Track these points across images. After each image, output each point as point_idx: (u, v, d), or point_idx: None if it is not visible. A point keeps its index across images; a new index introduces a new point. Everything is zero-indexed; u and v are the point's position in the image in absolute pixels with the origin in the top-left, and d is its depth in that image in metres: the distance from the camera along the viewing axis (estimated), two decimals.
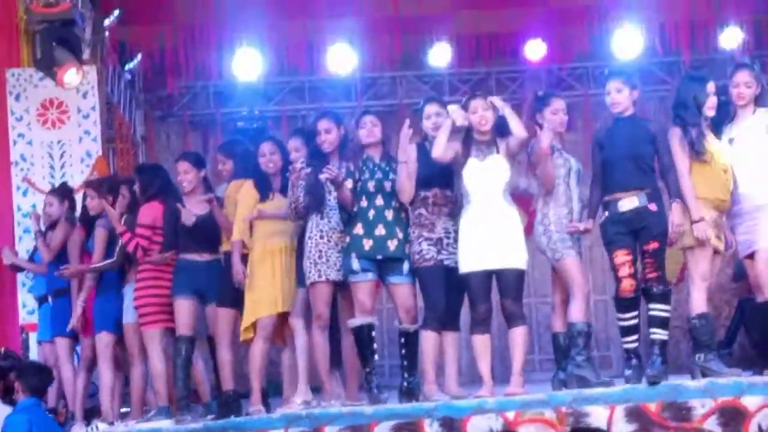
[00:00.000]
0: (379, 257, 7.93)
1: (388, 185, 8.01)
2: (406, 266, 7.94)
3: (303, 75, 14.25)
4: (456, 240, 7.78)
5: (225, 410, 8.54)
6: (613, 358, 13.68)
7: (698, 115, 7.74)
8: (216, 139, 13.66)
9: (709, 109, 7.78)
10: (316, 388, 8.35)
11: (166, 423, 8.41)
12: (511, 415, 7.44)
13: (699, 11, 13.29)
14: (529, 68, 14.35)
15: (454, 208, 7.89)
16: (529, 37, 13.97)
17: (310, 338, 8.21)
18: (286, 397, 8.53)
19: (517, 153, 7.83)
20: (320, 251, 8.08)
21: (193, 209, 8.66)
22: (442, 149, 7.71)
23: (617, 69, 8.66)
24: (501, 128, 7.80)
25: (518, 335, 7.68)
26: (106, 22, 12.35)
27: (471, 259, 7.65)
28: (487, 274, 7.66)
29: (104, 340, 9.03)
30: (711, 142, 7.75)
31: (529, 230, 7.97)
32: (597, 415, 7.43)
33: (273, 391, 9.18)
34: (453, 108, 7.94)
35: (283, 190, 8.43)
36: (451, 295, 7.84)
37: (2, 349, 9.86)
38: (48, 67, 10.49)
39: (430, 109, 8.07)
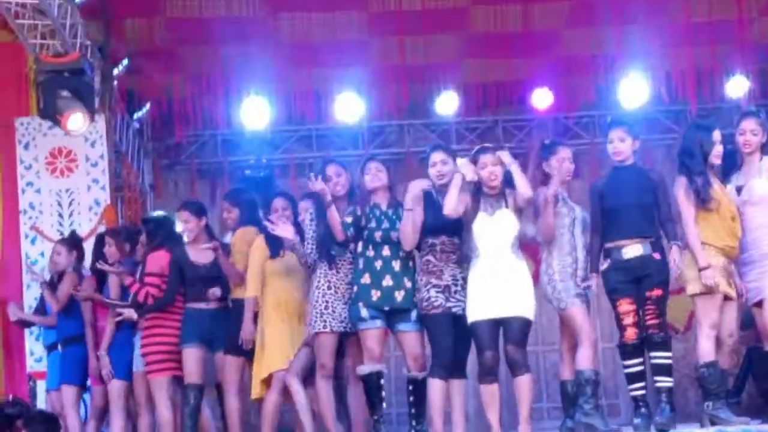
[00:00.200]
0: (387, 308, 7.93)
1: (395, 235, 8.01)
2: (414, 314, 7.93)
3: (310, 123, 14.30)
4: (464, 287, 7.78)
5: None
6: (621, 406, 13.62)
7: (704, 163, 7.76)
8: (224, 187, 13.68)
9: (715, 157, 7.80)
10: None
11: None
12: None
13: (705, 60, 13.35)
14: (536, 117, 14.38)
15: (462, 255, 7.88)
16: (536, 85, 14.03)
17: (315, 389, 8.19)
18: None
19: (523, 208, 7.84)
20: (326, 302, 8.09)
21: (198, 258, 8.69)
22: (453, 206, 7.70)
23: (619, 118, 8.70)
24: (510, 179, 7.80)
25: (523, 384, 7.65)
26: (115, 71, 12.43)
27: (478, 309, 7.64)
28: (495, 323, 7.64)
29: (117, 388, 9.03)
30: (717, 189, 7.77)
31: (536, 278, 7.97)
32: None
33: None
34: (462, 162, 7.93)
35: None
36: (459, 342, 7.82)
37: (10, 397, 9.84)
38: (51, 116, 10.54)
39: (436, 157, 8.07)
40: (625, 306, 7.77)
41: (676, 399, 13.56)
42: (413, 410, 7.97)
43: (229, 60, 13.09)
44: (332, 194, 8.16)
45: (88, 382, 9.55)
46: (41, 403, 10.38)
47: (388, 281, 7.94)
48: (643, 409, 7.74)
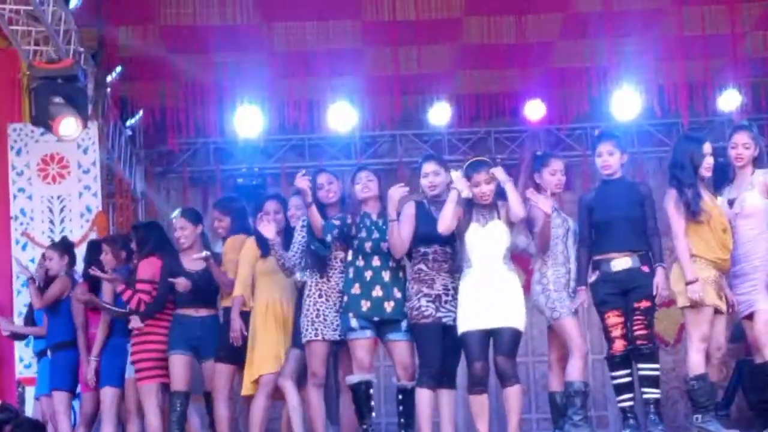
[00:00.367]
0: (376, 319, 7.93)
1: (385, 246, 7.98)
2: (404, 324, 7.92)
3: (303, 133, 14.32)
4: (455, 297, 7.77)
5: None
6: (609, 418, 13.63)
7: (694, 175, 7.77)
8: (216, 195, 13.70)
9: (705, 169, 7.81)
10: None
11: None
12: None
13: (697, 74, 13.39)
14: (529, 128, 14.42)
15: (454, 264, 7.88)
16: (529, 97, 14.07)
17: (306, 397, 8.19)
18: None
19: (515, 224, 7.83)
20: (318, 310, 8.08)
21: (190, 265, 8.70)
22: (449, 223, 7.68)
23: (608, 132, 8.71)
24: (502, 191, 7.78)
25: (512, 395, 7.62)
26: (108, 78, 12.43)
27: (469, 319, 7.62)
28: (485, 334, 7.63)
29: (109, 394, 9.02)
30: (708, 202, 7.78)
31: (527, 289, 7.97)
32: None
33: None
34: (457, 176, 7.89)
35: (285, 248, 8.45)
36: (448, 353, 7.81)
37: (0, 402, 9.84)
38: (44, 122, 10.53)
39: (428, 167, 8.06)
40: (613, 318, 7.79)
41: (666, 411, 13.64)
42: (402, 420, 7.95)
43: (222, 68, 13.11)
44: (324, 201, 8.19)
45: (78, 389, 9.52)
46: (29, 410, 10.35)
47: (377, 292, 7.93)
48: (631, 421, 7.75)
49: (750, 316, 7.80)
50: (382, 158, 14.56)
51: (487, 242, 7.70)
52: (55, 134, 10.58)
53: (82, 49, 10.97)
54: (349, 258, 8.04)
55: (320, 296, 8.10)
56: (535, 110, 14.12)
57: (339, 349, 8.24)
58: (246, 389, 8.52)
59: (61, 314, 9.52)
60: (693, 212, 7.67)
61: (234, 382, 8.79)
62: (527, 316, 7.76)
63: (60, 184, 11.62)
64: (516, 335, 7.65)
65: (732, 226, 7.84)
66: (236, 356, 8.51)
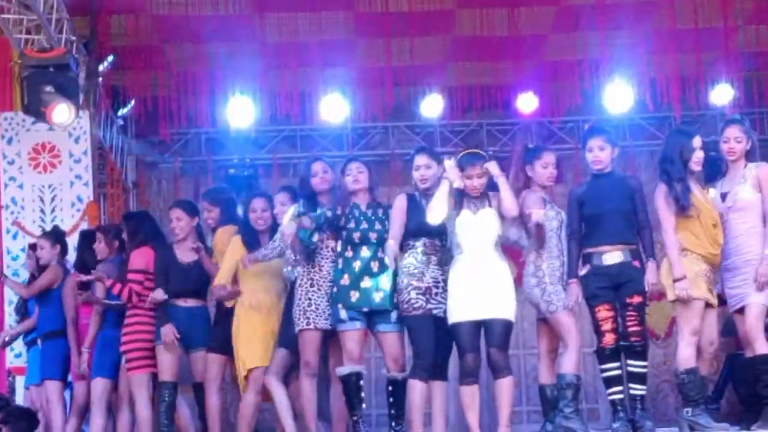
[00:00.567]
0: (366, 309, 7.92)
1: (373, 236, 8.00)
2: (394, 315, 7.93)
3: (295, 124, 14.28)
4: (445, 289, 7.77)
5: None
6: (600, 410, 13.64)
7: (684, 170, 7.78)
8: (207, 185, 13.65)
9: (695, 163, 7.81)
10: None
11: None
12: None
13: (690, 67, 13.38)
14: (521, 121, 14.41)
15: (444, 257, 7.87)
16: (521, 90, 14.05)
17: (299, 386, 8.18)
18: None
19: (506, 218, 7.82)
20: (310, 299, 8.08)
21: (183, 257, 8.69)
22: (438, 214, 7.69)
23: (599, 126, 8.72)
24: (494, 183, 7.78)
25: (504, 386, 7.64)
26: (100, 67, 12.39)
27: (460, 309, 7.62)
28: (476, 325, 7.64)
29: (100, 385, 9.00)
30: (699, 196, 7.78)
31: (518, 281, 7.97)
32: None
33: None
34: (450, 165, 7.88)
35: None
36: (440, 344, 7.81)
37: None
38: (36, 110, 10.50)
39: (420, 160, 8.05)
40: (604, 312, 7.81)
41: (657, 405, 13.66)
42: (393, 411, 7.97)
43: (214, 58, 13.07)
44: (316, 188, 8.23)
45: (69, 378, 9.51)
46: (20, 400, 10.33)
47: (366, 282, 7.93)
48: (621, 414, 7.77)
49: (741, 310, 7.82)
50: (374, 150, 14.54)
51: (477, 229, 7.70)
52: (49, 121, 10.55)
53: (74, 38, 10.95)
54: (338, 249, 8.04)
55: (312, 285, 8.10)
56: (527, 103, 14.11)
57: (329, 340, 8.23)
58: (242, 387, 8.51)
59: (51, 303, 9.51)
60: (682, 206, 7.68)
61: (225, 373, 8.79)
62: (518, 309, 7.77)
63: (51, 173, 11.59)
64: (508, 326, 7.66)
65: (724, 220, 7.85)
66: (228, 347, 8.50)
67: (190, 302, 8.72)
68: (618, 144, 8.15)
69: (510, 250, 8.07)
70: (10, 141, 11.59)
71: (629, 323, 7.76)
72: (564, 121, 14.55)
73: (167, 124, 13.77)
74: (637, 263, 7.80)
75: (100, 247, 9.29)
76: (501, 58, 13.52)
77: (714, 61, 13.41)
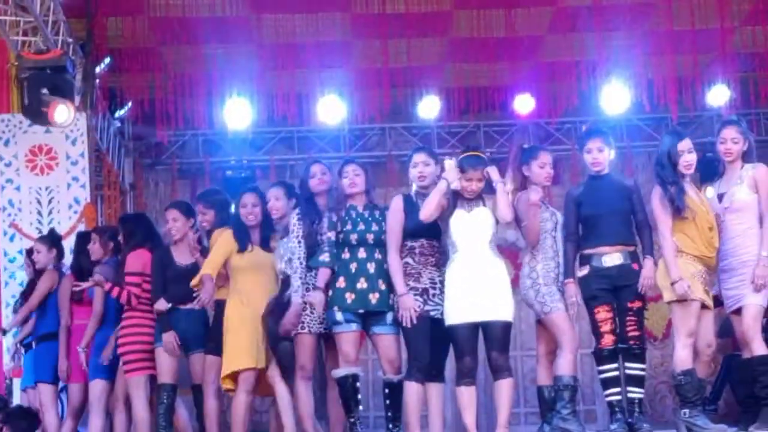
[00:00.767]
0: (361, 311, 7.92)
1: (370, 237, 7.99)
2: (389, 317, 7.92)
3: (292, 125, 14.30)
4: (442, 291, 7.76)
5: None
6: (598, 412, 13.66)
7: (673, 173, 7.78)
8: (204, 187, 13.66)
9: (684, 167, 7.79)
10: None
11: None
12: None
13: (687, 69, 13.40)
14: (518, 122, 14.42)
15: (441, 258, 7.87)
16: (518, 91, 14.07)
17: (295, 390, 8.18)
18: None
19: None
20: (305, 303, 8.06)
21: (180, 259, 8.67)
22: (431, 212, 7.66)
23: (597, 128, 8.72)
24: (489, 184, 7.78)
25: (504, 387, 7.63)
26: (97, 69, 12.40)
27: (457, 311, 7.61)
28: (474, 327, 7.63)
29: (99, 387, 8.99)
30: (695, 199, 7.78)
31: (515, 283, 7.96)
32: None
33: None
34: (449, 165, 7.87)
35: (263, 243, 8.43)
36: (436, 346, 7.79)
37: None
38: (36, 112, 10.49)
39: (418, 158, 8.05)
40: (603, 313, 7.80)
41: (654, 406, 13.66)
42: (389, 413, 7.95)
43: (211, 60, 13.09)
44: (314, 190, 8.22)
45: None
46: (16, 402, 10.32)
47: (362, 284, 7.92)
48: (619, 415, 7.76)
49: (738, 311, 7.81)
50: (371, 151, 14.56)
51: (472, 227, 7.68)
52: (50, 121, 10.53)
53: (70, 40, 10.96)
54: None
55: (307, 290, 8.08)
56: (524, 104, 14.13)
57: (325, 343, 8.23)
58: (223, 383, 8.43)
59: (47, 307, 9.49)
60: (677, 208, 7.68)
61: None
62: (515, 310, 7.76)
63: (48, 175, 11.59)
64: (507, 328, 7.65)
65: (721, 221, 7.85)
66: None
67: (189, 305, 8.69)
68: (614, 145, 8.16)
69: (508, 252, 8.08)
70: (7, 143, 11.59)
71: (629, 328, 7.77)
72: (561, 122, 14.58)
73: (164, 125, 13.77)
74: (636, 266, 7.80)
75: (95, 248, 9.27)
76: (498, 59, 13.53)
77: (711, 62, 13.43)
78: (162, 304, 8.54)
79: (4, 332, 9.76)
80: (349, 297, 7.89)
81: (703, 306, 7.74)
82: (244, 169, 14.50)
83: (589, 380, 13.30)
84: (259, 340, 8.30)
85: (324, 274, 7.92)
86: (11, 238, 11.40)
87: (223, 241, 8.46)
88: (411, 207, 7.89)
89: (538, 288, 7.87)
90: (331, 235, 7.98)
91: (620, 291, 7.78)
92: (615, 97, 13.91)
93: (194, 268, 8.61)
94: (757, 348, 7.67)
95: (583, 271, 7.88)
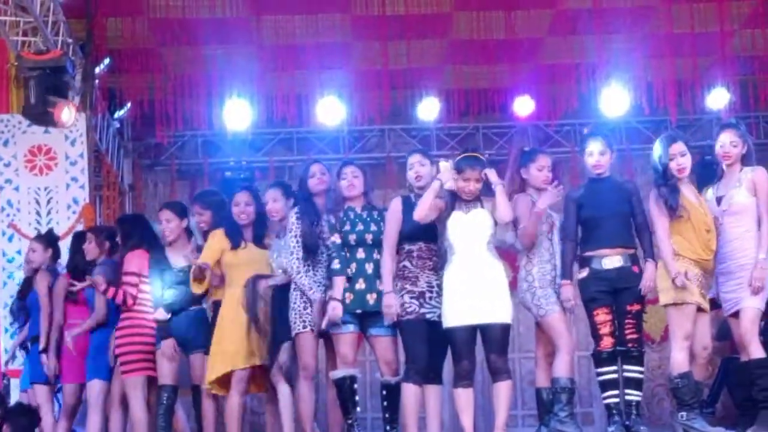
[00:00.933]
0: (359, 311, 7.92)
1: (369, 237, 8.00)
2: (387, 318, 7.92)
3: (291, 126, 14.31)
4: (439, 294, 7.75)
5: None
6: (595, 414, 13.65)
7: (665, 176, 7.78)
8: (203, 188, 13.67)
9: (677, 170, 7.79)
10: None
11: None
12: None
13: (686, 72, 13.41)
14: (517, 124, 14.42)
15: (438, 261, 7.87)
16: (518, 93, 14.08)
17: (296, 389, 8.17)
18: None
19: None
20: (305, 302, 8.07)
21: (176, 261, 8.65)
22: (425, 212, 7.65)
23: (598, 130, 8.70)
24: (487, 185, 7.78)
25: (503, 389, 7.63)
26: (97, 70, 12.40)
27: (455, 313, 7.61)
28: (472, 329, 7.62)
29: (97, 387, 8.98)
30: (693, 201, 7.78)
31: (513, 285, 7.96)
32: None
33: None
34: (445, 166, 7.88)
35: (256, 240, 8.42)
36: (434, 348, 7.79)
37: None
38: (41, 112, 10.48)
39: (413, 159, 8.07)
40: (602, 316, 7.80)
41: (652, 409, 13.66)
42: (387, 415, 7.95)
43: (211, 61, 13.09)
44: (313, 190, 8.23)
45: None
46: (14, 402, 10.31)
47: (360, 284, 7.93)
48: (616, 417, 7.76)
49: (736, 314, 7.81)
50: (370, 153, 14.56)
51: (469, 228, 7.68)
52: (56, 121, 10.53)
53: (70, 41, 10.96)
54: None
55: (310, 289, 8.08)
56: (523, 106, 14.13)
57: (326, 345, 8.23)
58: (214, 387, 8.38)
59: (41, 308, 9.46)
60: (671, 207, 7.69)
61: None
62: (514, 312, 7.76)
63: (47, 175, 11.60)
64: (505, 330, 7.65)
65: (719, 224, 7.85)
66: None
67: (189, 306, 8.68)
68: (615, 149, 8.16)
69: (506, 254, 8.07)
70: (6, 143, 11.60)
71: (627, 331, 7.77)
72: (560, 124, 14.58)
73: (164, 126, 13.77)
74: (636, 269, 7.80)
75: (90, 247, 9.26)
76: (498, 61, 13.54)
77: (710, 65, 13.44)
78: (161, 314, 8.54)
79: (45, 350, 9.68)
80: (348, 297, 7.90)
81: (700, 309, 7.74)
82: (244, 170, 14.50)
83: (586, 382, 13.31)
84: (252, 338, 8.28)
85: (339, 282, 7.91)
86: (10, 239, 11.41)
87: (214, 239, 8.43)
88: (410, 209, 7.88)
89: (534, 291, 7.87)
90: (335, 238, 7.97)
91: (619, 294, 7.78)
92: (614, 99, 13.91)
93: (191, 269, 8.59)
94: (755, 351, 7.67)
95: (582, 274, 7.88)
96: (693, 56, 12.90)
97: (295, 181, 8.94)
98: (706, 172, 8.29)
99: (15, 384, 10.52)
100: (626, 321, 7.78)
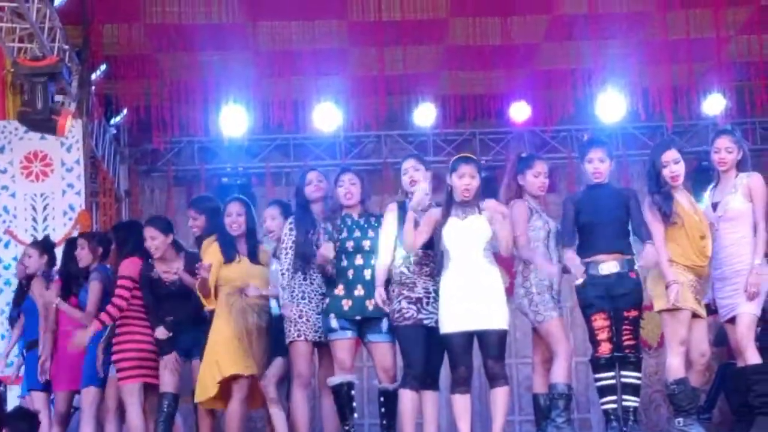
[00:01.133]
0: (358, 317, 7.92)
1: (366, 244, 8.00)
2: (385, 324, 7.92)
3: (288, 132, 14.31)
4: (436, 300, 7.74)
5: None
6: (592, 420, 13.65)
7: (658, 183, 7.79)
8: (200, 194, 13.66)
9: (670, 177, 7.79)
10: None
11: None
12: None
13: (682, 77, 13.42)
14: (514, 130, 14.44)
15: (435, 268, 7.86)
16: (514, 99, 14.10)
17: (291, 397, 8.17)
18: None
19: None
20: (301, 311, 8.07)
21: (165, 275, 8.62)
22: (410, 242, 7.65)
23: (598, 138, 8.71)
24: (485, 190, 7.78)
25: (500, 395, 7.62)
26: (93, 76, 12.40)
27: (452, 319, 7.59)
28: (469, 335, 7.61)
29: (91, 394, 8.97)
30: (685, 206, 7.78)
31: (510, 291, 7.96)
32: None
33: None
34: (419, 188, 7.85)
35: (251, 255, 8.41)
36: (431, 354, 7.79)
37: None
38: (46, 119, 10.46)
39: (407, 164, 8.06)
40: (600, 321, 7.79)
41: (649, 415, 13.66)
42: (384, 421, 7.95)
43: (207, 67, 13.09)
44: (309, 197, 8.25)
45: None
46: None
47: (359, 291, 7.93)
48: (614, 423, 7.75)
49: (732, 320, 7.82)
50: (367, 158, 14.58)
51: (465, 235, 7.64)
52: (60, 129, 10.52)
53: (66, 47, 10.95)
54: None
55: (303, 298, 8.09)
56: (520, 112, 14.15)
57: (319, 352, 8.23)
58: (210, 403, 8.37)
59: (34, 314, 9.46)
60: (665, 214, 7.69)
61: None
62: (510, 317, 7.75)
63: (43, 182, 11.59)
64: (502, 336, 7.64)
65: (715, 230, 7.86)
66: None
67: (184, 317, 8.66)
68: (613, 156, 8.18)
69: (502, 261, 8.06)
70: (2, 149, 11.60)
71: (624, 337, 7.75)
72: (556, 130, 14.60)
73: (160, 132, 13.78)
74: (633, 275, 7.79)
75: (83, 253, 9.24)
76: (494, 66, 13.55)
77: (706, 71, 13.45)
78: (162, 333, 8.52)
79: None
80: (346, 304, 7.90)
81: (695, 315, 7.74)
82: (240, 176, 14.52)
83: (583, 388, 13.30)
84: (247, 350, 8.26)
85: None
86: (6, 245, 11.40)
87: (210, 254, 8.41)
88: (405, 213, 7.87)
89: (531, 297, 7.87)
90: (331, 249, 7.96)
91: (616, 300, 7.78)
92: (611, 105, 13.93)
93: (181, 283, 8.56)
94: (751, 357, 7.68)
95: (580, 280, 7.88)
96: (689, 62, 12.92)
97: (291, 187, 8.95)
98: (703, 178, 8.28)
99: (12, 390, 10.51)
100: (623, 327, 7.76)
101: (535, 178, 8.06)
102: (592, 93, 13.89)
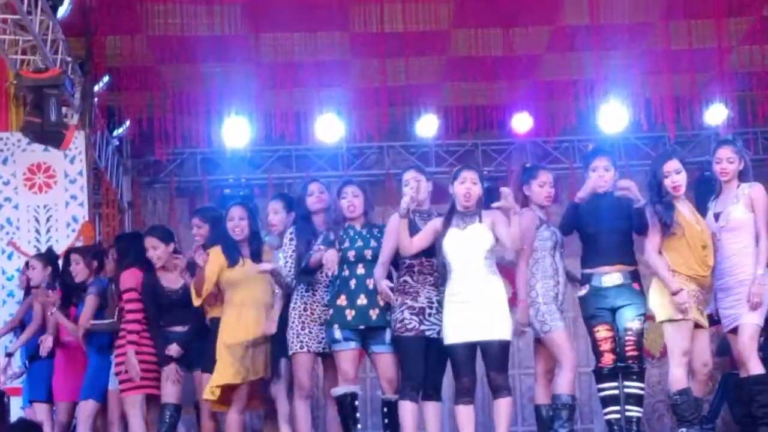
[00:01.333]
0: (362, 327, 7.92)
1: (368, 253, 7.99)
2: (388, 335, 7.91)
3: (290, 144, 14.34)
4: (439, 311, 7.74)
5: None
6: (595, 431, 13.64)
7: (659, 193, 7.79)
8: (204, 205, 13.68)
9: (671, 188, 7.79)
10: None
11: None
12: None
13: (684, 88, 13.44)
14: (516, 141, 14.45)
15: (439, 277, 7.86)
16: (516, 110, 14.12)
17: (292, 408, 8.17)
18: None
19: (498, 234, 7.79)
20: (303, 323, 8.06)
21: (168, 284, 8.62)
22: (407, 246, 7.66)
23: (603, 147, 8.73)
24: (487, 199, 7.78)
25: (503, 406, 7.61)
26: (96, 88, 12.42)
27: (455, 331, 7.59)
28: (472, 346, 7.60)
29: (89, 407, 8.96)
30: (686, 216, 7.78)
31: (513, 302, 7.96)
32: None
33: None
34: (406, 194, 7.86)
35: (254, 257, 8.41)
36: (433, 365, 7.79)
37: None
38: (57, 131, 10.48)
39: (408, 175, 8.05)
40: (603, 332, 7.79)
41: (652, 424, 13.65)
42: None
43: (210, 79, 13.12)
44: (311, 208, 8.25)
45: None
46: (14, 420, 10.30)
47: (362, 300, 7.92)
48: None
49: (735, 330, 7.81)
50: (369, 170, 14.59)
51: (466, 244, 7.64)
52: (65, 143, 10.55)
53: (69, 59, 10.98)
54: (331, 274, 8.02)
55: (305, 309, 8.08)
56: (522, 123, 14.17)
57: (322, 362, 8.23)
58: (215, 405, 8.39)
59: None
60: (665, 224, 7.69)
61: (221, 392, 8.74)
62: (513, 328, 7.75)
63: (46, 193, 11.60)
64: (505, 347, 7.63)
65: (717, 240, 7.85)
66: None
67: (188, 326, 8.66)
68: (617, 166, 8.19)
69: (505, 271, 8.06)
70: (5, 161, 11.61)
71: (627, 348, 7.76)
72: (559, 140, 14.61)
73: (162, 144, 13.81)
74: (636, 286, 7.80)
75: (78, 268, 9.25)
76: (496, 78, 13.57)
77: (708, 81, 13.47)
78: (176, 350, 8.52)
79: (11, 355, 9.71)
80: (349, 314, 7.89)
81: (698, 325, 7.74)
82: (243, 187, 14.53)
83: (587, 399, 13.31)
84: (250, 354, 8.27)
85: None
86: (9, 257, 11.41)
87: (212, 257, 8.40)
88: (410, 224, 7.88)
89: (538, 307, 7.87)
90: (331, 236, 7.98)
91: (619, 311, 7.78)
92: (613, 116, 13.95)
93: (184, 292, 8.56)
94: (754, 367, 7.67)
95: (582, 291, 7.89)
96: (691, 72, 12.94)
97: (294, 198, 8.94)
98: (705, 188, 8.27)
99: (14, 402, 10.50)
100: (627, 338, 7.77)
101: (541, 188, 8.07)
102: (594, 104, 13.90)
